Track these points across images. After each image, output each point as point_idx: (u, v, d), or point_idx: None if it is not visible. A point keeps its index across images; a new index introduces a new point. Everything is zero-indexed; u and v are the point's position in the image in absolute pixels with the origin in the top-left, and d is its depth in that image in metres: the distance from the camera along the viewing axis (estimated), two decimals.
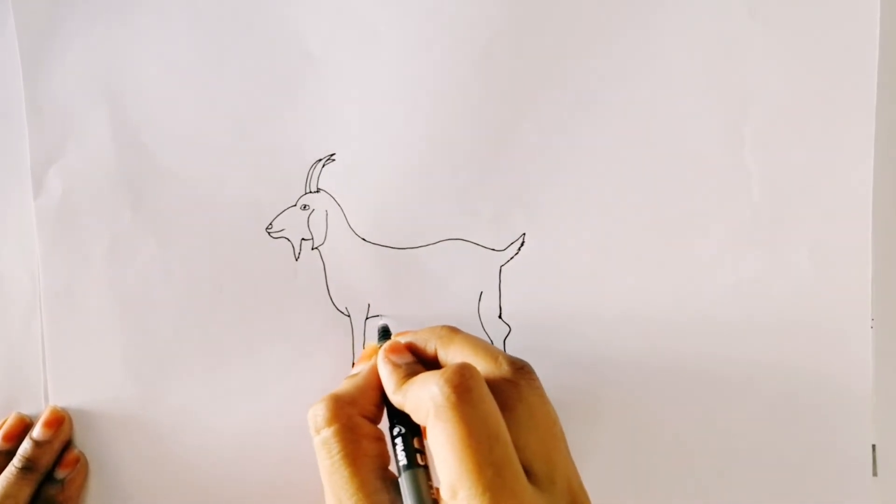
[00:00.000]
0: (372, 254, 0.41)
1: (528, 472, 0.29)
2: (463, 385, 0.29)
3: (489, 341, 0.40)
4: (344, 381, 0.35)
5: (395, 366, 0.34)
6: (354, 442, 0.31)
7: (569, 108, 0.40)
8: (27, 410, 0.43)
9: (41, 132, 0.42)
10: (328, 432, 0.32)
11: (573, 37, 0.40)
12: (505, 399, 0.31)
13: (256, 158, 0.41)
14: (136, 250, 0.42)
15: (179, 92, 0.42)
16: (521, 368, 0.32)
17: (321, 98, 0.41)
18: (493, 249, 0.41)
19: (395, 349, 0.35)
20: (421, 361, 0.35)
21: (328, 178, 0.41)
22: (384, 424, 0.34)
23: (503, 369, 0.32)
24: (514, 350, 0.40)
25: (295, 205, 0.41)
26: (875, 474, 0.39)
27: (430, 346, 0.35)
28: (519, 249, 0.40)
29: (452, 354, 0.34)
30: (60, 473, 0.41)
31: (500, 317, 0.41)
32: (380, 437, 0.33)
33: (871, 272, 0.39)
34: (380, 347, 0.36)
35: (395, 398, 0.33)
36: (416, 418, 0.32)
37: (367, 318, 0.41)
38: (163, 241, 0.42)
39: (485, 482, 0.27)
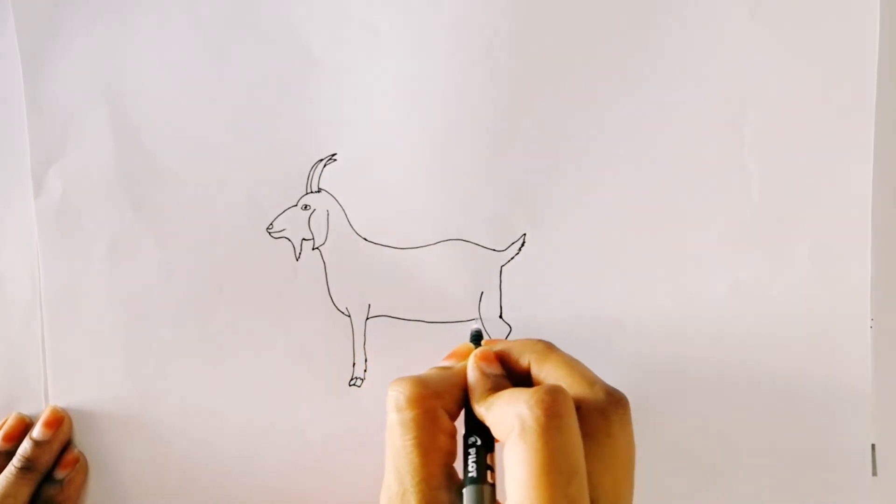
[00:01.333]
0: (372, 254, 0.41)
1: None
2: (554, 409, 0.28)
3: None
4: (432, 369, 0.35)
5: (484, 375, 0.33)
6: (432, 433, 0.31)
7: (569, 108, 0.40)
8: (27, 410, 0.43)
9: (41, 132, 0.42)
10: (409, 414, 0.31)
11: (573, 37, 0.40)
12: (592, 430, 0.30)
13: (257, 158, 0.41)
14: (136, 250, 0.42)
15: (179, 92, 0.42)
16: (617, 401, 0.31)
17: (322, 98, 0.41)
18: (494, 249, 0.41)
19: (487, 357, 0.34)
20: (510, 373, 0.34)
21: (329, 177, 0.41)
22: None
23: (598, 397, 0.31)
24: None
25: (296, 205, 0.41)
26: (875, 474, 0.39)
27: (525, 359, 0.34)
28: (519, 249, 0.40)
29: (547, 372, 0.33)
30: (60, 473, 0.41)
31: (500, 317, 0.41)
32: (453, 434, 0.32)
33: (870, 272, 0.39)
34: (472, 349, 0.35)
35: (479, 409, 0.32)
36: (495, 432, 0.31)
37: (367, 318, 0.41)
38: (163, 241, 0.42)
39: None
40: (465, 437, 0.32)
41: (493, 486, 0.30)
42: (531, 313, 0.40)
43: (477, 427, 0.32)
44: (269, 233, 0.41)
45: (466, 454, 0.31)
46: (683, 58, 0.39)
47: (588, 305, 0.40)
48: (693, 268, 0.40)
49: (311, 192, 0.41)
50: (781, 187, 0.39)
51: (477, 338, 0.38)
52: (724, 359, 0.40)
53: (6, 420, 0.42)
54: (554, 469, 0.27)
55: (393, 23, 0.41)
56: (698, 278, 0.40)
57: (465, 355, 0.35)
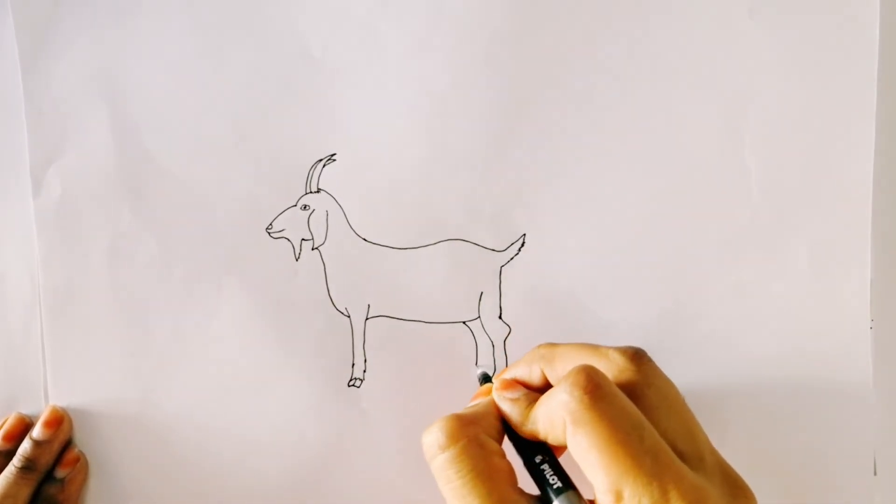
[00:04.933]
0: (372, 254, 0.41)
1: (677, 454, 0.28)
2: (591, 385, 0.28)
3: (490, 342, 0.41)
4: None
5: (514, 400, 0.33)
6: (485, 458, 0.30)
7: (569, 108, 0.40)
8: (27, 410, 0.43)
9: (41, 132, 0.42)
10: (454, 450, 0.30)
11: (573, 37, 0.40)
12: (632, 389, 0.30)
13: (256, 158, 0.41)
14: (136, 250, 0.42)
15: (179, 92, 0.42)
16: (635, 355, 0.31)
17: (321, 98, 0.41)
18: (494, 249, 0.41)
19: (507, 385, 0.34)
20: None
21: (328, 178, 0.41)
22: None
23: (618, 363, 0.31)
24: (514, 350, 0.40)
25: (295, 205, 0.41)
26: (875, 474, 0.39)
27: (535, 370, 0.34)
28: (519, 250, 0.40)
29: (560, 367, 0.33)
30: (60, 473, 0.41)
31: (500, 317, 0.41)
32: (504, 456, 0.31)
33: (870, 272, 0.39)
34: (489, 389, 0.35)
35: (527, 428, 0.31)
36: (552, 438, 0.30)
37: (366, 319, 0.41)
38: (163, 241, 0.42)
39: (647, 471, 0.26)
40: (530, 460, 0.31)
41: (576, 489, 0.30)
42: (531, 313, 0.40)
43: (535, 447, 0.31)
44: (269, 233, 0.41)
45: (540, 471, 0.31)
46: (683, 58, 0.39)
47: (588, 305, 0.40)
48: (693, 268, 0.40)
49: (311, 192, 0.41)
50: (781, 187, 0.39)
51: (486, 379, 0.38)
52: (724, 359, 0.40)
53: (6, 420, 0.42)
54: (621, 432, 0.27)
55: (393, 23, 0.41)
56: (698, 278, 0.40)
57: (487, 393, 0.35)
